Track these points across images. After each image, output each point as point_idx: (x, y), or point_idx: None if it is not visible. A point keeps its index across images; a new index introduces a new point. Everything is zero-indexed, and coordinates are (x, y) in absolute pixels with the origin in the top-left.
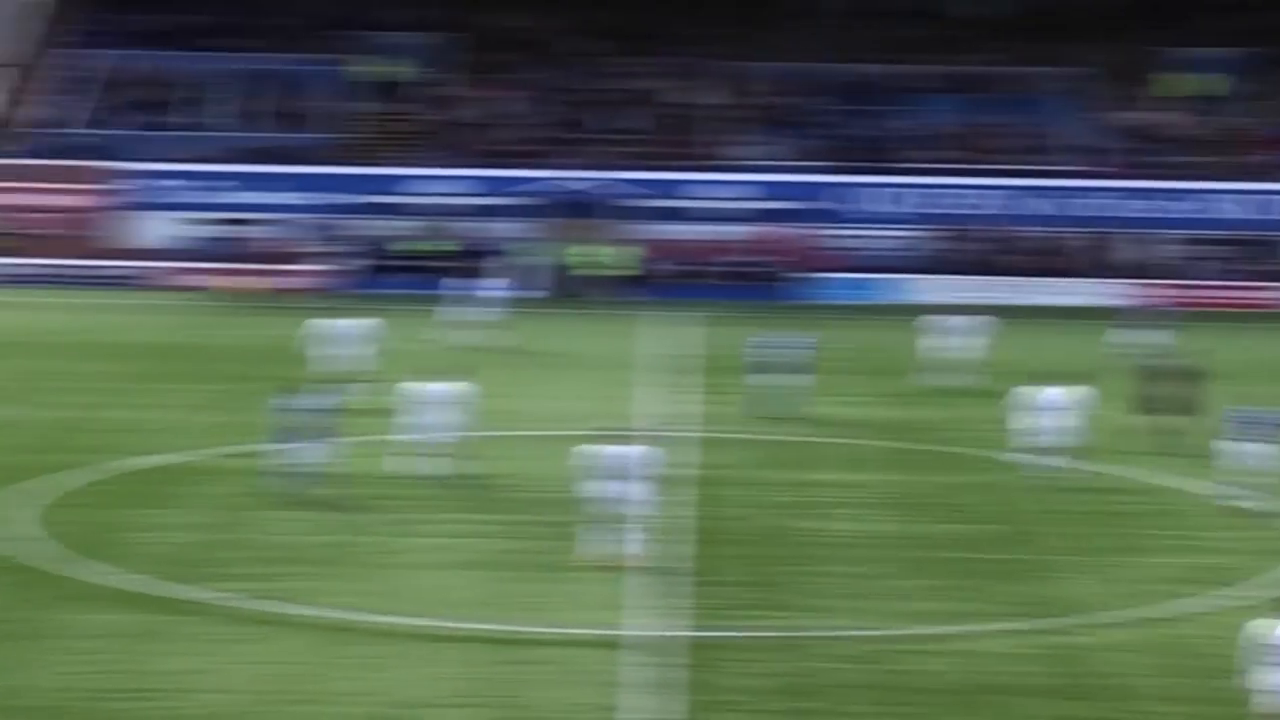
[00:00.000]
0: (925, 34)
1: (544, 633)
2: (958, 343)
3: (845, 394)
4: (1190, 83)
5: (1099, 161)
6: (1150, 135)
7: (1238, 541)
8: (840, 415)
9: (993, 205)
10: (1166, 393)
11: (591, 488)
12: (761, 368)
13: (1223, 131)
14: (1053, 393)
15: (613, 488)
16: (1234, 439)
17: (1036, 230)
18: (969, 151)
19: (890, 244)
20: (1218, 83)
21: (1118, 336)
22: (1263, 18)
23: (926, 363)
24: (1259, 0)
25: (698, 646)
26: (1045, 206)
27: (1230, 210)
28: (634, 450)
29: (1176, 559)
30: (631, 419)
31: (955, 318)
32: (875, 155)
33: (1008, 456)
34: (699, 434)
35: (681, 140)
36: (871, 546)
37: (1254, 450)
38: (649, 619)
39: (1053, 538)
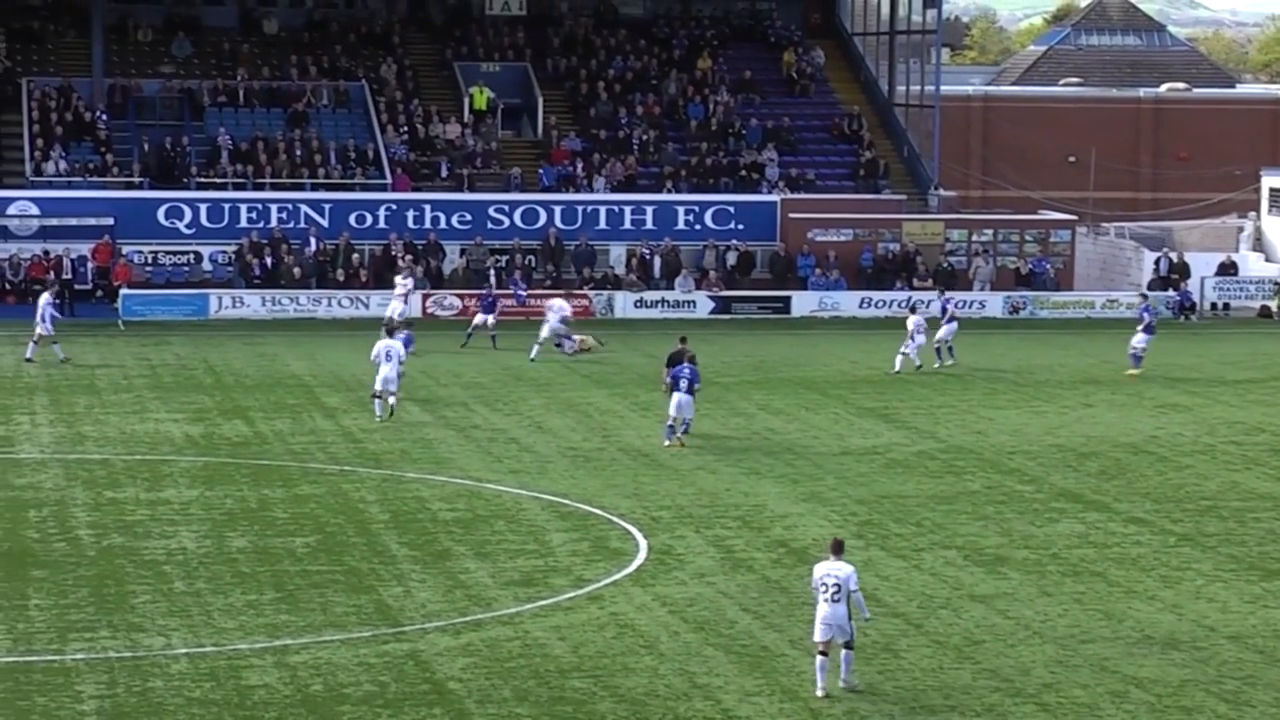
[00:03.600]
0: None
1: None
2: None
3: (151, 411)
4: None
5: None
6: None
7: (570, 542)
8: (146, 432)
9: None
10: None
11: None
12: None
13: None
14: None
15: None
16: None
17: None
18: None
19: (190, 259)
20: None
21: None
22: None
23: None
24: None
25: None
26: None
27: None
28: None
29: (514, 562)
30: None
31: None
32: (169, 170)
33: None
34: None
35: None
36: (195, 563)
37: None
38: None
39: (392, 545)
